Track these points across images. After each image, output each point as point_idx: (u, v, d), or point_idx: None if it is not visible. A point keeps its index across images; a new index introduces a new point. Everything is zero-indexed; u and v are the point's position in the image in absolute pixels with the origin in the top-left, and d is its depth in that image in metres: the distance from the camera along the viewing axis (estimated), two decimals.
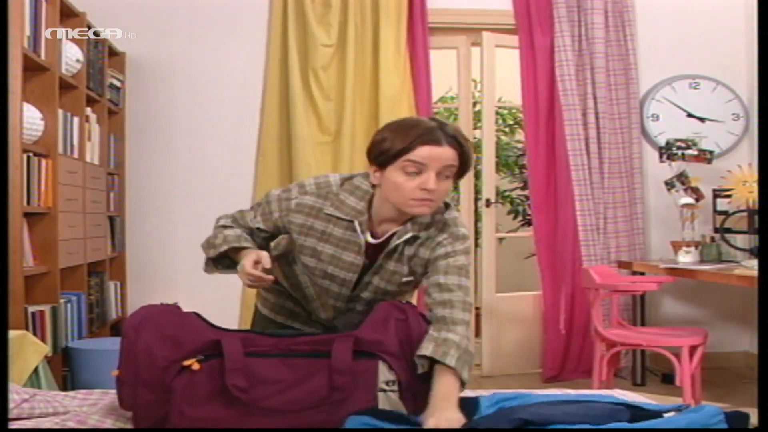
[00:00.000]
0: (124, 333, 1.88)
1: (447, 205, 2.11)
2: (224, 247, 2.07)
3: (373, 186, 2.07)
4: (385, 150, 1.97)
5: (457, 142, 1.97)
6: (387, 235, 2.07)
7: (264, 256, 1.98)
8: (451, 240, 2.06)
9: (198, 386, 1.79)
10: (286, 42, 4.76)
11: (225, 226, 2.17)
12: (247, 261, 1.97)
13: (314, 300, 2.12)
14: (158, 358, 1.82)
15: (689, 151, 4.74)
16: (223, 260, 2.13)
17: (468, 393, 2.27)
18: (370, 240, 2.07)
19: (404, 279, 2.10)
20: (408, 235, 2.04)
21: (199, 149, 4.87)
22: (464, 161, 2.00)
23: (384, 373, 1.86)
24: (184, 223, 4.77)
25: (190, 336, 1.84)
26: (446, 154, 1.95)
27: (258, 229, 2.15)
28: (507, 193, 6.69)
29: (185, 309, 1.96)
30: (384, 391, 1.84)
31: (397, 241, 2.05)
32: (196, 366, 1.79)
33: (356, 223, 2.05)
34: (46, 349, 3.04)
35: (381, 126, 2.10)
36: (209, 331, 1.87)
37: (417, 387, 1.87)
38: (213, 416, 1.78)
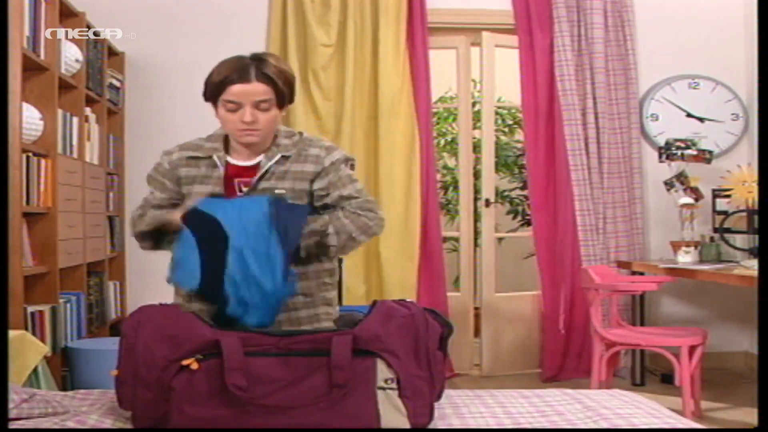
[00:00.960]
0: (123, 333, 1.88)
1: (301, 133, 2.38)
2: (154, 223, 2.30)
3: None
4: (208, 86, 2.26)
5: (268, 78, 2.19)
6: (257, 160, 2.30)
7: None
8: (326, 151, 2.31)
9: (197, 385, 1.80)
10: (285, 42, 4.77)
11: (141, 215, 2.38)
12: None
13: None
14: (157, 358, 1.82)
15: (688, 151, 4.74)
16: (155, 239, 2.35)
17: (467, 393, 2.28)
18: (240, 163, 2.31)
19: (277, 191, 2.27)
20: (277, 157, 2.28)
21: None
22: (279, 93, 2.22)
23: (383, 371, 1.85)
24: None
25: (189, 335, 1.84)
26: (257, 89, 2.19)
27: (161, 199, 2.38)
28: (506, 193, 6.69)
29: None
30: (383, 389, 1.84)
31: (268, 163, 2.27)
32: (194, 365, 1.79)
33: (214, 157, 2.31)
34: (45, 349, 3.04)
35: None
36: (208, 330, 1.87)
37: (416, 384, 1.87)
38: (213, 415, 1.78)
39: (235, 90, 2.19)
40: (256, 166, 2.29)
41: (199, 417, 1.77)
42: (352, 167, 2.37)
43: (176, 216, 2.21)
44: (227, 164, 2.30)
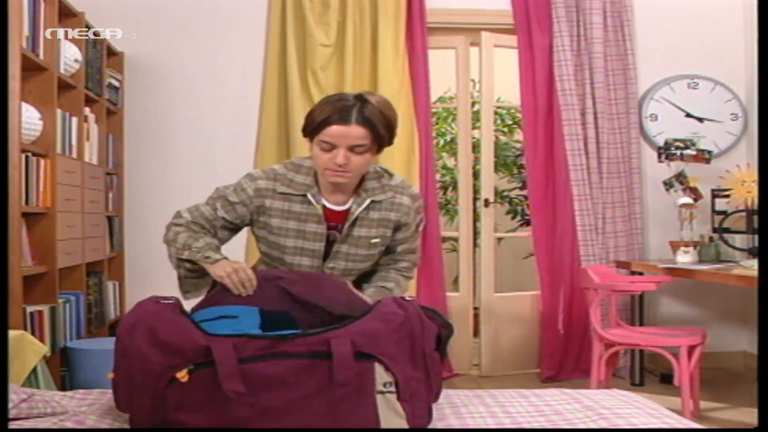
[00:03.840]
0: (117, 335, 1.86)
1: (389, 174, 2.40)
2: (209, 254, 2.26)
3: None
4: (309, 122, 2.25)
5: (368, 122, 2.19)
6: (348, 205, 2.32)
7: (249, 273, 2.17)
8: (413, 201, 2.38)
9: (192, 393, 1.76)
10: (284, 42, 4.77)
11: (190, 231, 2.36)
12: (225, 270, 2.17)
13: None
14: (152, 364, 1.78)
15: (688, 151, 4.74)
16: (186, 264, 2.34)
17: (466, 393, 2.28)
18: (331, 207, 2.31)
19: (372, 240, 2.35)
20: (367, 202, 2.31)
21: (197, 149, 4.87)
22: (377, 138, 2.23)
23: (381, 375, 1.83)
24: None
25: (181, 343, 1.79)
26: (354, 132, 2.20)
27: (223, 219, 2.35)
28: (505, 193, 6.69)
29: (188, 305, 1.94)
30: (382, 392, 1.82)
31: (358, 209, 2.30)
32: (184, 378, 1.76)
33: (309, 195, 2.29)
34: (44, 349, 3.04)
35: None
36: (201, 337, 1.80)
37: (414, 386, 1.86)
38: (209, 422, 1.75)
39: (333, 131, 2.20)
40: (346, 212, 2.33)
41: (195, 424, 1.75)
42: (421, 221, 2.48)
43: (224, 270, 2.18)
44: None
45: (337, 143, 2.20)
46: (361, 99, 2.23)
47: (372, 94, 2.30)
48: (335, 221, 2.34)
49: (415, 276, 2.54)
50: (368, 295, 2.35)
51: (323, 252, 2.34)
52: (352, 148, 2.20)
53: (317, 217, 2.29)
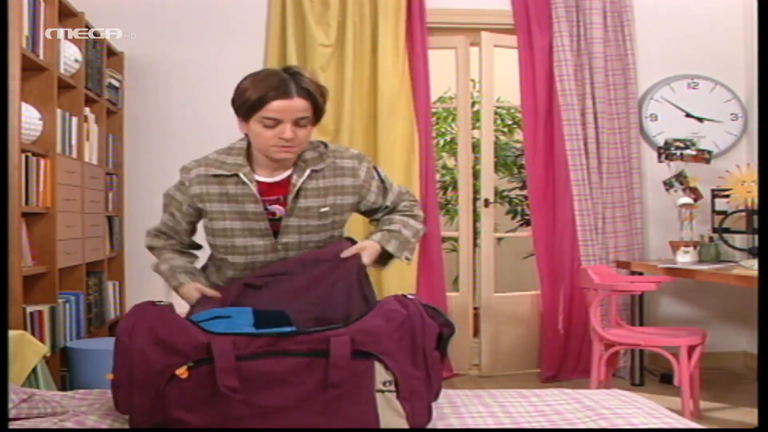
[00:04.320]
0: (117, 336, 1.86)
1: (325, 144, 2.35)
2: (172, 282, 2.40)
3: (248, 139, 2.28)
4: (243, 102, 2.18)
5: (308, 93, 2.17)
6: (285, 176, 2.27)
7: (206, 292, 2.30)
8: (358, 161, 2.34)
9: (191, 391, 1.77)
10: (284, 42, 4.77)
11: (161, 251, 2.48)
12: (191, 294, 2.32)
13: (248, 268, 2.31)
14: (152, 362, 1.79)
15: (688, 151, 4.74)
16: None
17: (466, 393, 2.28)
18: (266, 180, 2.27)
19: (321, 210, 2.29)
20: (308, 172, 2.26)
21: (197, 149, 4.77)
22: (317, 110, 2.21)
23: (381, 374, 1.82)
24: None
25: (182, 341, 1.80)
26: (298, 105, 2.16)
27: (183, 221, 2.39)
28: (505, 193, 6.69)
29: (184, 308, 1.94)
30: (382, 391, 1.82)
31: (300, 180, 2.25)
32: (184, 374, 1.76)
33: (241, 175, 2.25)
34: (44, 349, 3.04)
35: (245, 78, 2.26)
36: (201, 334, 1.82)
37: (414, 385, 1.86)
38: (208, 420, 1.75)
39: (276, 106, 2.15)
40: (285, 182, 2.28)
41: (194, 422, 1.75)
42: (375, 168, 2.44)
43: (188, 295, 2.33)
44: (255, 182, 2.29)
45: (282, 118, 2.15)
46: (290, 72, 2.20)
47: (295, 66, 2.29)
48: (276, 193, 2.28)
49: (421, 215, 2.48)
50: (375, 240, 2.34)
51: (270, 229, 2.29)
52: (296, 122, 2.17)
53: (252, 197, 2.25)
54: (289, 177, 2.28)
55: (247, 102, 2.17)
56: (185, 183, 2.34)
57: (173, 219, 2.42)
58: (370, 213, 2.46)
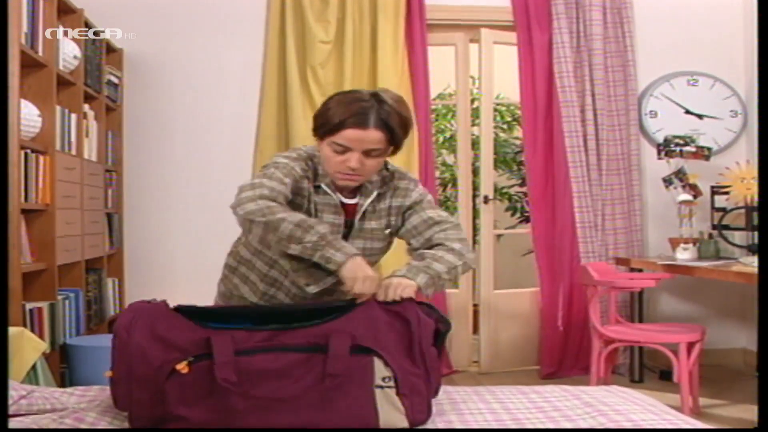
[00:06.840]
0: (115, 332, 1.85)
1: (386, 164, 2.26)
2: (322, 243, 1.96)
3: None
4: (324, 122, 2.11)
5: (385, 125, 2.08)
6: (354, 200, 2.22)
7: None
8: (414, 183, 2.29)
9: (191, 386, 1.76)
10: (284, 39, 4.76)
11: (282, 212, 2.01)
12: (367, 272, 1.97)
13: (303, 269, 2.06)
14: (151, 357, 1.79)
15: (687, 148, 4.74)
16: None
17: (466, 389, 2.28)
18: (344, 200, 2.21)
19: (385, 231, 2.26)
20: (374, 195, 2.22)
21: (196, 146, 4.86)
22: (394, 141, 2.12)
23: (380, 369, 1.82)
24: (182, 220, 4.77)
25: (181, 336, 1.81)
26: (371, 137, 2.07)
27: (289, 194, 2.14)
28: (505, 190, 6.69)
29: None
30: (381, 387, 1.82)
31: (366, 203, 2.21)
32: (184, 369, 1.76)
33: (323, 186, 2.18)
34: (44, 345, 3.04)
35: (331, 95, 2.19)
36: (200, 330, 1.82)
37: (413, 382, 1.86)
38: (207, 416, 1.75)
39: (349, 134, 2.07)
40: (353, 206, 2.23)
41: (193, 417, 1.75)
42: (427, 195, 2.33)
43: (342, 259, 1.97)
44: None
45: (353, 147, 2.07)
46: (377, 99, 2.10)
47: (386, 92, 2.17)
48: (346, 215, 2.24)
49: (466, 239, 2.25)
50: (421, 284, 2.08)
51: None
52: (367, 153, 2.09)
53: (335, 207, 2.18)
54: (357, 200, 2.22)
55: (327, 124, 2.09)
56: (298, 160, 2.19)
57: (284, 185, 2.10)
58: (408, 237, 2.29)
